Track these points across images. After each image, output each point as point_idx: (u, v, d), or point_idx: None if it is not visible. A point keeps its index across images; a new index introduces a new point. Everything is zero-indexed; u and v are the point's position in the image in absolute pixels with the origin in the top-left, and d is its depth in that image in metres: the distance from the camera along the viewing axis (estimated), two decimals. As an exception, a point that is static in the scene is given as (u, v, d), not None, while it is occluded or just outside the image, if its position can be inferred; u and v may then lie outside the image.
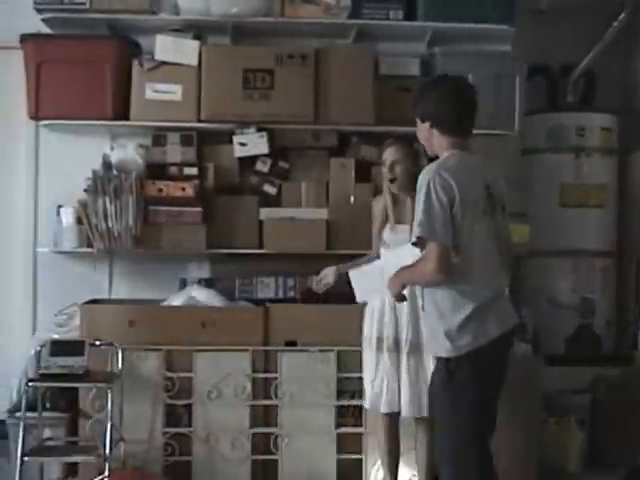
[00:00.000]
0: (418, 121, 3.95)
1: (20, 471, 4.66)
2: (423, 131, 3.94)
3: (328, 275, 4.92)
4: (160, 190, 5.29)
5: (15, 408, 5.14)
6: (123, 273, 5.70)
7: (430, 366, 4.32)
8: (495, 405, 3.90)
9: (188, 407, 5.11)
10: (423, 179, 3.75)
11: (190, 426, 5.10)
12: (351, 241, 5.31)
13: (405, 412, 4.68)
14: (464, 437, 3.81)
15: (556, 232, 6.51)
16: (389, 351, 4.67)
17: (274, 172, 5.57)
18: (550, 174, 6.63)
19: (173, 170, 5.45)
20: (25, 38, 5.43)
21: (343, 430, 5.15)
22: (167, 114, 5.40)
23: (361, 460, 5.13)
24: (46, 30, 5.58)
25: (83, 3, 5.43)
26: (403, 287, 3.95)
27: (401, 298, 4.00)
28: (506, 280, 4.02)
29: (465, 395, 3.77)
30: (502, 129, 5.61)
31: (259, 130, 5.41)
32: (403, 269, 3.91)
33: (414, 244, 3.80)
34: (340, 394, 5.14)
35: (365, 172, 5.54)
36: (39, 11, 5.46)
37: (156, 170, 5.46)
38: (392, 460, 4.83)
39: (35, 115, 5.48)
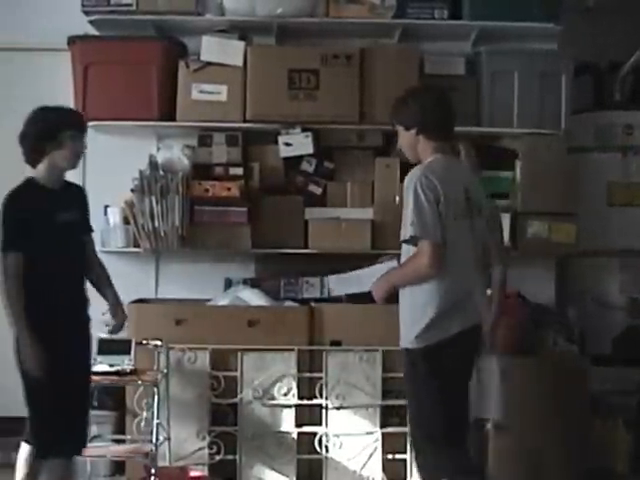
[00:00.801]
0: (401, 129, 4.14)
1: (68, 468, 4.70)
2: (407, 138, 4.12)
3: None
4: (206, 190, 5.32)
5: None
6: (169, 273, 5.73)
7: None
8: (461, 402, 4.00)
9: (234, 406, 5.13)
10: (410, 181, 3.94)
11: (236, 425, 5.12)
12: (396, 241, 5.27)
13: None
14: (425, 428, 3.94)
15: (603, 232, 6.44)
16: None
17: (319, 172, 5.59)
18: (597, 173, 6.54)
19: (219, 170, 5.48)
20: (73, 40, 5.48)
21: (389, 430, 5.14)
22: (213, 114, 5.43)
23: (405, 460, 5.12)
24: (93, 32, 5.64)
25: (130, 4, 5.48)
26: (390, 290, 4.05)
27: (387, 300, 4.09)
28: (481, 280, 4.13)
29: (426, 388, 3.91)
30: (548, 128, 5.57)
31: (304, 130, 5.42)
32: (391, 271, 4.12)
33: (405, 241, 3.95)
34: (385, 394, 5.14)
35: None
36: (87, 13, 5.52)
37: (202, 170, 5.49)
38: None
39: (82, 116, 5.53)
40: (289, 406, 5.13)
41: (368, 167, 5.56)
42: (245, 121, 5.45)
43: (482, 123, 5.57)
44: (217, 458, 5.09)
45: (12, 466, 5.37)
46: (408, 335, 3.96)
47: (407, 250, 4.01)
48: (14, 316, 3.97)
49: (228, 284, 5.57)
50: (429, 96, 4.19)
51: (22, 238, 4.01)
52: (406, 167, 5.43)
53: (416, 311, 3.93)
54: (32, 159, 4.24)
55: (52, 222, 4.13)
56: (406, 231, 3.91)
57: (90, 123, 5.55)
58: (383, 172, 5.50)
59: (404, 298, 4.01)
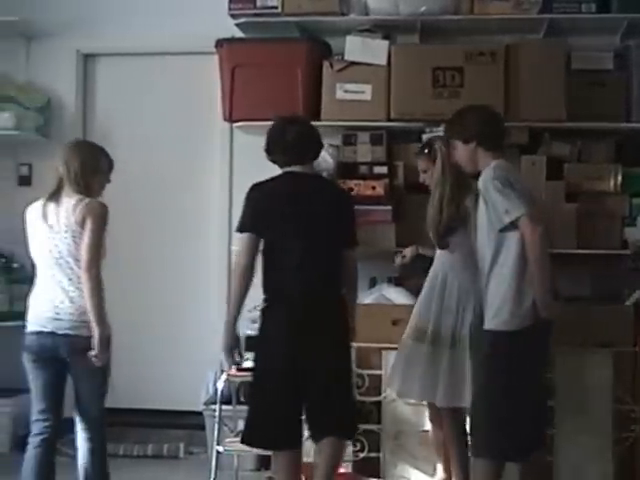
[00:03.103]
0: (459, 144, 4.30)
1: (216, 461, 4.79)
2: (466, 151, 4.27)
3: (407, 252, 5.07)
4: (351, 189, 5.34)
5: (211, 401, 5.31)
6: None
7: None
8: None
9: (377, 404, 5.14)
10: (485, 181, 4.09)
11: (379, 423, 5.13)
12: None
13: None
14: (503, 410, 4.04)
15: None
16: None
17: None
18: None
19: (363, 169, 5.50)
20: (220, 43, 5.60)
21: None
22: (357, 114, 5.45)
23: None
24: (240, 35, 5.74)
25: (275, 7, 5.56)
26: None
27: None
28: None
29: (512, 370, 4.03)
30: None
31: (448, 128, 5.39)
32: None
33: (502, 230, 4.01)
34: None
35: (557, 170, 5.42)
36: (233, 16, 5.63)
37: (346, 169, 5.53)
38: None
39: (229, 117, 5.64)
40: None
41: (513, 164, 5.46)
42: (389, 120, 5.46)
43: (632, 119, 5.42)
44: (361, 456, 5.10)
45: (165, 457, 5.58)
46: (501, 316, 4.01)
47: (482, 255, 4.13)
48: None
49: (373, 283, 5.58)
50: (484, 110, 4.38)
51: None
52: (552, 165, 5.40)
53: (515, 291, 3.99)
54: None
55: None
56: (501, 222, 3.99)
57: (236, 124, 5.70)
58: (529, 170, 5.40)
59: (501, 278, 4.04)
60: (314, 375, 4.05)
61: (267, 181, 4.21)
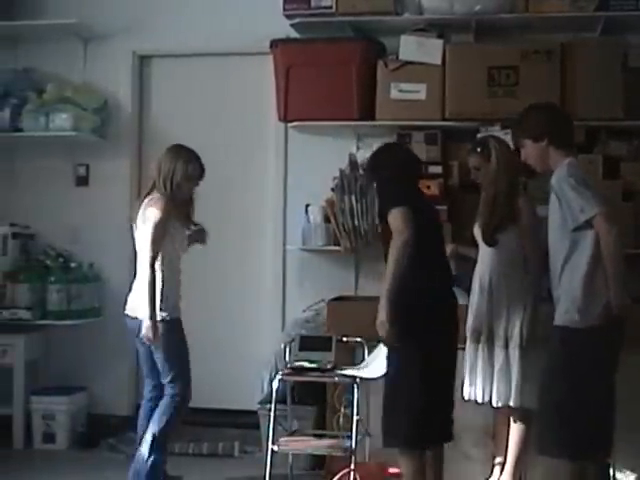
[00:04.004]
0: (529, 143, 4.21)
1: (270, 460, 4.81)
2: (537, 150, 4.19)
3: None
4: (405, 189, 5.34)
5: (266, 400, 5.32)
6: (369, 270, 5.78)
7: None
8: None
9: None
10: (560, 179, 4.01)
11: (434, 423, 5.10)
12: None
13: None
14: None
15: None
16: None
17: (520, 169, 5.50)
18: None
19: (418, 168, 5.48)
20: (275, 43, 5.63)
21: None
22: (411, 113, 5.45)
23: None
24: (294, 35, 5.77)
25: (330, 7, 5.57)
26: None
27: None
28: None
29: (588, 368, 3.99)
30: None
31: (504, 127, 5.35)
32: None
33: (576, 229, 3.93)
34: None
35: (614, 169, 5.37)
36: (288, 17, 5.65)
37: (401, 169, 5.51)
38: None
39: (284, 117, 5.67)
40: (486, 406, 5.07)
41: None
42: (444, 119, 5.45)
43: (689, 118, 5.35)
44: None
45: (219, 456, 5.61)
46: (572, 313, 3.97)
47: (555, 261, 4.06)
48: None
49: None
50: (552, 108, 4.37)
51: None
52: (609, 164, 5.34)
53: (588, 289, 3.94)
54: None
55: None
56: (576, 221, 3.92)
57: (291, 124, 5.72)
58: (585, 169, 5.30)
59: (574, 276, 3.98)
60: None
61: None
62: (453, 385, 4.42)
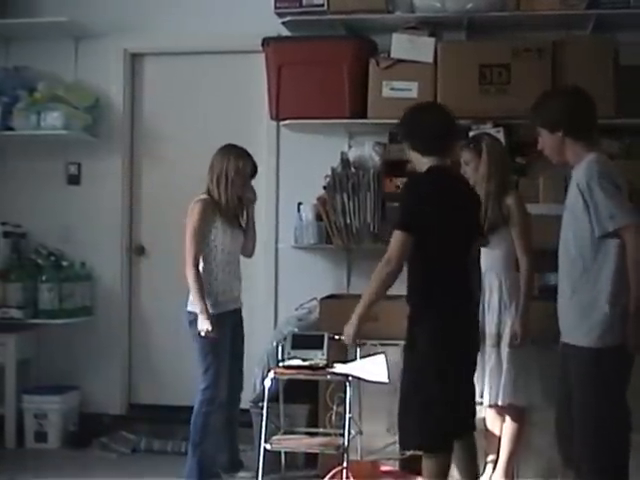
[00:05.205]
0: (545, 132, 3.87)
1: (262, 459, 4.81)
2: (553, 141, 3.85)
3: None
4: (397, 187, 5.34)
5: (258, 398, 5.31)
6: (361, 269, 5.77)
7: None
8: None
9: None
10: (590, 178, 3.65)
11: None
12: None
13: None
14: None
15: None
16: None
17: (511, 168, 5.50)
18: None
19: (410, 167, 5.48)
20: (267, 41, 5.62)
21: None
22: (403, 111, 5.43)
23: None
24: (286, 33, 5.76)
25: (321, 5, 5.56)
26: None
27: None
28: None
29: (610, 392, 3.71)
30: None
31: (495, 125, 5.36)
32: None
33: (603, 237, 3.62)
34: None
35: (605, 166, 5.37)
36: (280, 15, 5.64)
37: (393, 167, 5.53)
38: None
39: (276, 115, 5.67)
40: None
41: (561, 162, 5.44)
42: (436, 117, 5.44)
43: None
44: (407, 453, 5.08)
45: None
46: (595, 332, 3.66)
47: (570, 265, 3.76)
48: None
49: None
50: (572, 94, 3.94)
51: None
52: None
53: (620, 304, 3.62)
54: None
55: None
56: (603, 228, 3.60)
57: (283, 122, 5.72)
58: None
59: (598, 287, 3.66)
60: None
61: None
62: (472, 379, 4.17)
